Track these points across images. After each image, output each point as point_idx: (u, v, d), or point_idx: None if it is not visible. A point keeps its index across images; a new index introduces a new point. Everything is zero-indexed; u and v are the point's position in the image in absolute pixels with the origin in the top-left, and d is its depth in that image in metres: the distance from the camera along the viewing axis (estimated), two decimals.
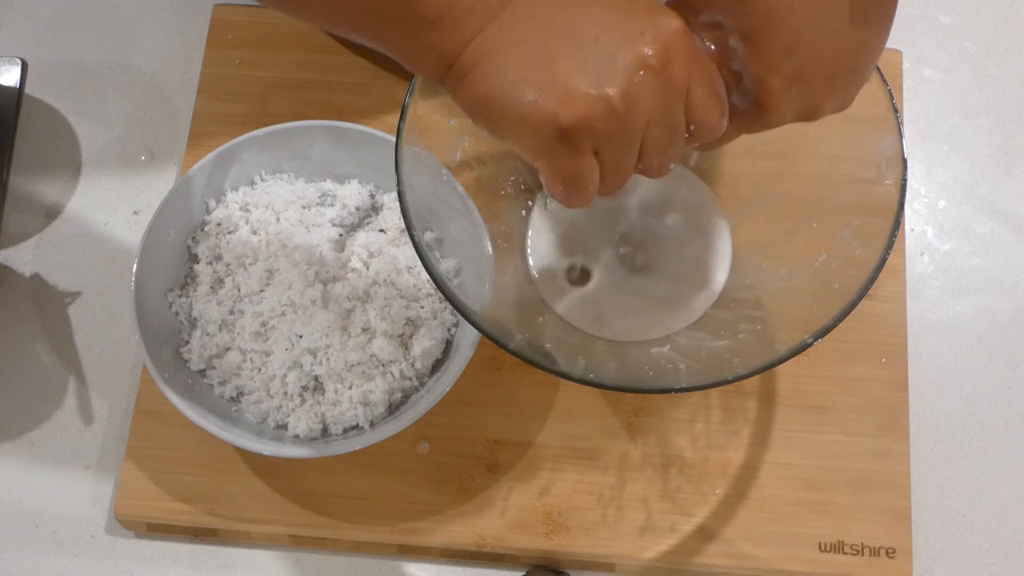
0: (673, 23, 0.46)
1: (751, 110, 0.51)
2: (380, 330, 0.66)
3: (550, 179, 0.48)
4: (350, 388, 0.65)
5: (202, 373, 0.68)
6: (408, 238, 0.59)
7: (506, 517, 0.67)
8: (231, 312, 0.68)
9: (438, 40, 0.45)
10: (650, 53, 0.45)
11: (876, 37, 0.51)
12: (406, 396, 0.67)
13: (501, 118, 0.46)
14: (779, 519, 0.67)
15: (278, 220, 0.70)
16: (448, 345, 0.68)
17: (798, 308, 0.61)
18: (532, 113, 0.45)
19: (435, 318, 0.67)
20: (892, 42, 0.79)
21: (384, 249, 0.68)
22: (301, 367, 0.66)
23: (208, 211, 0.70)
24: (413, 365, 0.66)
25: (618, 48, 0.45)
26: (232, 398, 0.67)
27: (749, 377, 0.56)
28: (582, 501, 0.67)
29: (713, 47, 0.50)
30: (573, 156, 0.46)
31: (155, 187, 0.77)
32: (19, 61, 0.80)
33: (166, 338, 0.67)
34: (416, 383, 0.67)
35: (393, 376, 0.66)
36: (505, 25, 0.45)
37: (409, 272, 0.68)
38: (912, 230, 0.76)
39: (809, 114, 0.52)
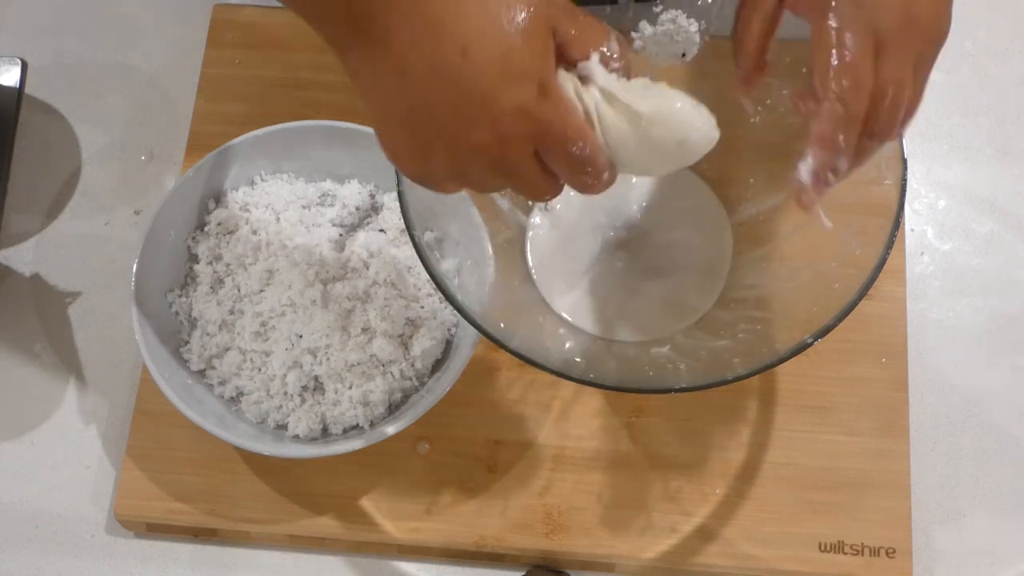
0: (516, 97, 0.45)
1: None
2: (380, 330, 0.66)
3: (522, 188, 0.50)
4: (350, 388, 0.65)
5: (202, 373, 0.67)
6: (408, 238, 0.59)
7: (506, 517, 0.67)
8: (231, 312, 0.68)
9: (337, 37, 0.47)
10: (479, 139, 0.45)
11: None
12: (406, 396, 0.67)
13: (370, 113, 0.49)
14: (779, 519, 0.67)
15: (278, 220, 0.70)
16: (448, 345, 0.68)
17: (798, 308, 0.61)
18: (383, 149, 0.49)
19: (435, 318, 0.67)
20: None
21: (384, 249, 0.68)
22: (301, 367, 0.66)
23: (208, 211, 0.70)
24: (413, 365, 0.66)
25: (451, 128, 0.46)
26: (232, 398, 0.67)
27: (749, 377, 0.56)
28: (582, 501, 0.67)
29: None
30: (424, 185, 0.50)
31: (155, 187, 0.77)
32: (19, 61, 0.80)
33: (166, 338, 0.67)
34: (416, 383, 0.67)
35: (393, 376, 0.66)
36: (372, 56, 0.46)
37: (409, 272, 0.68)
38: (912, 230, 0.76)
39: (880, 44, 0.49)
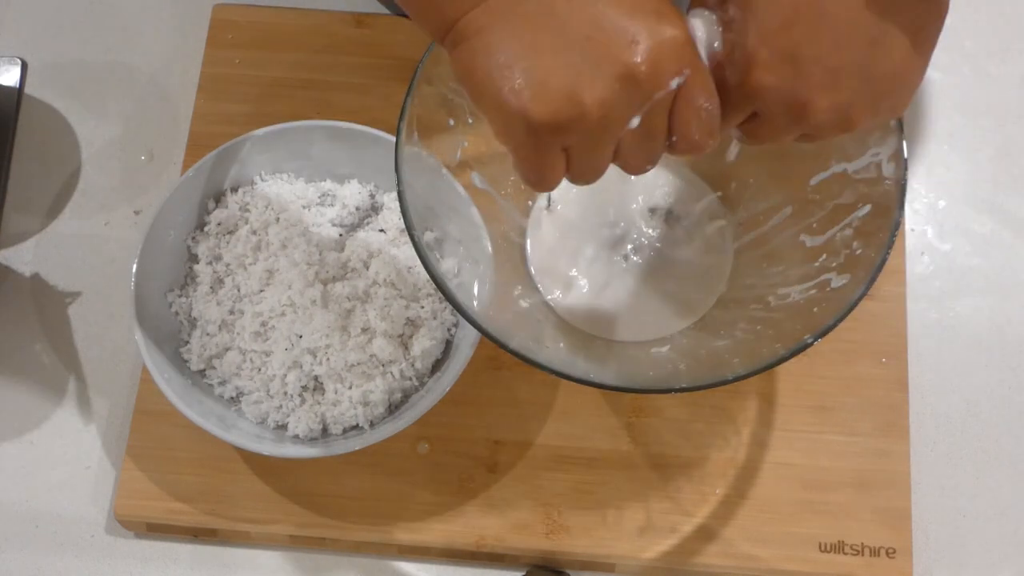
0: (671, 32, 0.44)
1: (738, 100, 0.49)
2: (380, 330, 0.66)
3: (516, 163, 0.48)
4: (350, 388, 0.65)
5: (202, 373, 0.68)
6: (408, 238, 0.59)
7: (506, 517, 0.67)
8: (231, 312, 0.68)
9: (443, 3, 0.46)
10: (635, 65, 0.44)
11: (899, 39, 0.47)
12: (406, 396, 0.67)
13: (480, 96, 0.46)
14: (779, 519, 0.67)
15: (278, 220, 0.70)
16: (448, 345, 0.68)
17: (798, 308, 0.61)
18: (506, 102, 0.45)
19: (435, 318, 0.67)
20: None
21: (384, 249, 0.68)
22: (301, 367, 0.66)
23: (208, 211, 0.70)
24: (413, 365, 0.66)
25: (605, 53, 0.44)
26: (232, 398, 0.67)
27: (749, 377, 0.56)
28: (582, 501, 0.67)
29: (719, 45, 0.48)
30: (539, 150, 0.46)
31: (155, 187, 0.77)
32: (19, 61, 0.80)
33: (166, 338, 0.67)
34: (416, 383, 0.67)
35: (393, 376, 0.66)
36: (505, 3, 0.45)
37: (409, 272, 0.68)
38: (912, 230, 0.76)
39: (800, 109, 0.47)
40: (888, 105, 0.49)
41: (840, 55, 0.46)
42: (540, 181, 0.48)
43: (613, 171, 0.73)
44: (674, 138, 0.47)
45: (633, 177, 0.71)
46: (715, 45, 0.48)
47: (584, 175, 0.48)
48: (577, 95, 0.44)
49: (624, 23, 0.44)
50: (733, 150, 0.68)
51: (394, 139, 0.59)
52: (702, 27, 0.48)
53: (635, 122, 0.46)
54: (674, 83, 0.45)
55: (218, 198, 0.71)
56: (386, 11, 0.80)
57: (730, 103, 0.48)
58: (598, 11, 0.44)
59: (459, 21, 0.46)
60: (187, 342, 0.68)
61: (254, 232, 0.69)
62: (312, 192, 0.71)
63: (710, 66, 0.48)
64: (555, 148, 0.46)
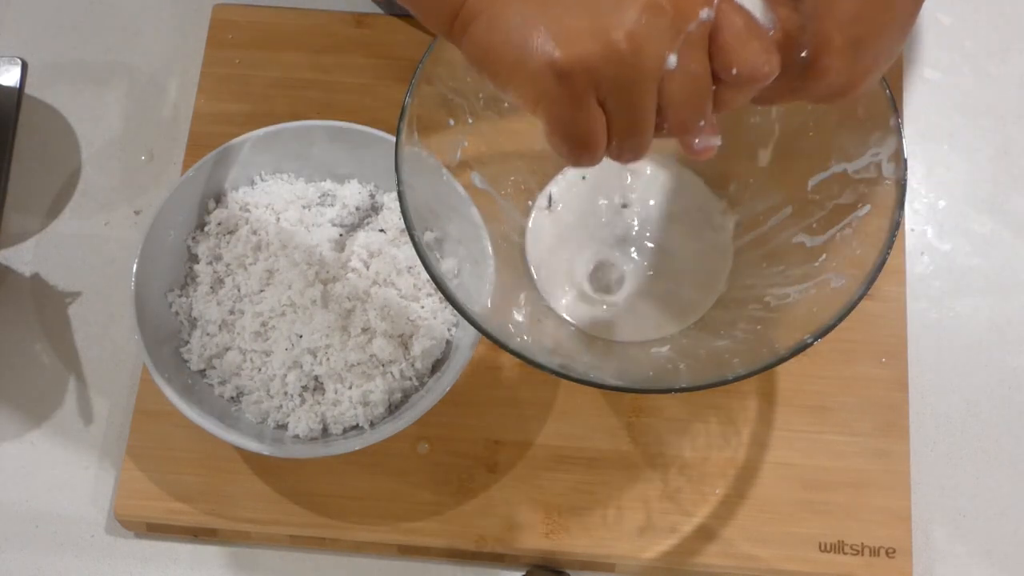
0: None
1: (796, 71, 0.48)
2: (380, 330, 0.66)
3: (552, 131, 0.44)
4: (350, 388, 0.65)
5: (202, 373, 0.68)
6: (408, 238, 0.59)
7: (506, 517, 0.67)
8: (231, 312, 0.68)
9: None
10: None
11: (908, 27, 0.50)
12: (406, 396, 0.67)
13: (499, 66, 0.44)
14: (779, 519, 0.67)
15: (278, 220, 0.70)
16: (448, 345, 0.68)
17: (798, 308, 0.61)
18: (528, 56, 0.42)
19: (435, 318, 0.67)
20: None
21: (384, 249, 0.68)
22: (301, 367, 0.66)
23: (208, 211, 0.70)
24: (413, 365, 0.66)
25: None
26: (232, 398, 0.67)
27: (749, 377, 0.56)
28: (582, 501, 0.67)
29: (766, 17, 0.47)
30: (574, 104, 0.43)
31: (155, 187, 0.77)
32: (19, 61, 0.80)
33: (166, 338, 0.67)
34: (416, 383, 0.67)
35: (393, 376, 0.66)
36: None
37: (409, 272, 0.68)
38: (912, 230, 0.76)
39: (849, 87, 0.49)
40: (884, 67, 0.51)
41: (886, 39, 0.49)
42: (580, 147, 0.44)
43: (613, 169, 0.73)
44: (735, 71, 0.44)
45: (628, 178, 0.71)
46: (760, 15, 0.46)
47: (627, 132, 0.45)
48: (604, 32, 0.42)
49: None
50: (764, 156, 0.67)
51: (394, 139, 0.59)
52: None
53: (672, 61, 0.43)
54: (704, 13, 0.43)
55: (218, 198, 0.71)
56: (396, 11, 0.80)
57: (783, 76, 0.46)
58: None
59: (464, 4, 0.45)
60: (187, 342, 0.68)
61: (254, 232, 0.69)
62: (312, 192, 0.71)
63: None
64: (591, 101, 0.43)
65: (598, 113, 0.44)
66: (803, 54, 0.48)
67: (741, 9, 0.44)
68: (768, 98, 0.49)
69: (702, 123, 0.46)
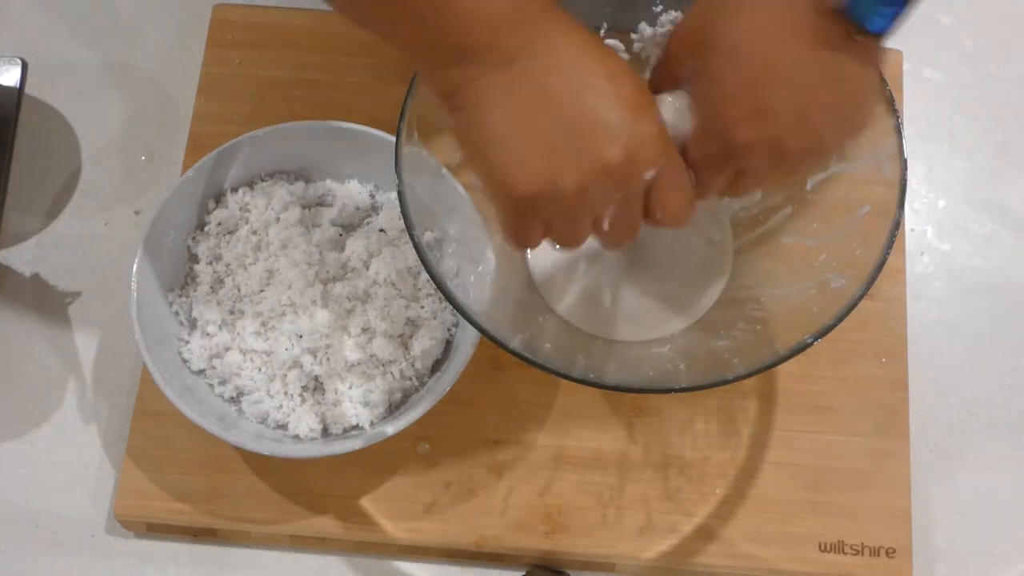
0: (648, 129, 0.49)
1: (722, 161, 0.53)
2: (380, 330, 0.66)
3: (500, 223, 0.52)
4: (350, 388, 0.65)
5: (202, 373, 0.67)
6: (408, 238, 0.59)
7: (506, 517, 0.67)
8: (231, 312, 0.68)
9: (447, 70, 0.49)
10: (613, 160, 0.48)
11: (850, 67, 0.51)
12: (406, 396, 0.67)
13: (472, 162, 0.51)
14: (779, 519, 0.67)
15: (278, 220, 0.70)
16: (448, 345, 0.68)
17: (798, 308, 0.61)
18: (493, 174, 0.49)
19: (435, 318, 0.67)
20: (892, 42, 0.79)
21: (384, 249, 0.68)
22: (301, 367, 0.66)
23: (208, 211, 0.70)
24: (413, 365, 0.66)
25: (587, 146, 0.48)
26: (232, 398, 0.67)
27: (749, 377, 0.56)
28: (582, 501, 0.67)
29: (688, 123, 0.53)
30: (520, 218, 0.51)
31: (155, 187, 0.77)
32: (19, 61, 0.80)
33: (166, 338, 0.67)
34: (416, 383, 0.67)
35: (393, 376, 0.66)
36: (506, 81, 0.48)
37: (409, 272, 0.68)
38: (912, 230, 0.76)
39: (779, 153, 0.51)
40: (854, 122, 0.53)
41: (802, 96, 0.50)
42: (519, 243, 0.53)
43: None
44: (658, 215, 0.52)
45: None
46: (685, 125, 0.53)
47: (562, 243, 0.53)
48: (556, 178, 0.48)
49: (607, 118, 0.48)
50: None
51: (394, 139, 0.59)
52: (671, 111, 0.52)
53: (611, 208, 0.51)
54: (648, 175, 0.50)
55: (218, 198, 0.71)
56: None
57: (715, 166, 0.53)
58: (586, 103, 0.48)
59: (461, 89, 0.49)
60: (187, 342, 0.68)
61: (254, 232, 0.69)
62: (312, 192, 0.71)
63: (689, 140, 0.53)
64: (535, 219, 0.51)
65: (539, 227, 0.51)
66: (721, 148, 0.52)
67: (677, 168, 0.52)
68: (740, 190, 0.55)
69: (628, 242, 0.54)
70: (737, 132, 0.51)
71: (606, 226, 0.52)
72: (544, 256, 0.70)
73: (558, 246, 0.54)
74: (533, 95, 0.48)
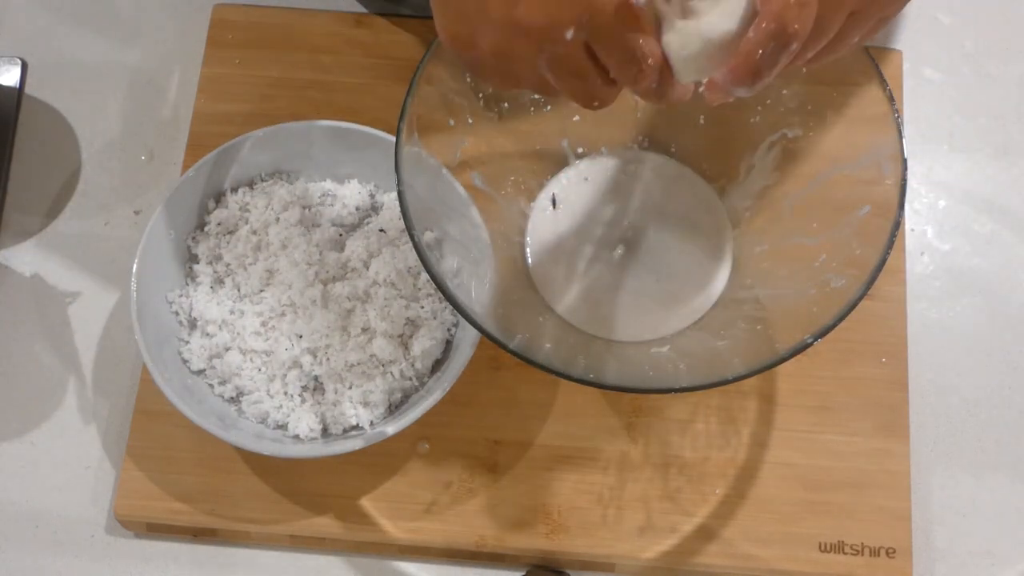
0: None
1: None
2: (380, 330, 0.66)
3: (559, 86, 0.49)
4: (350, 388, 0.65)
5: (202, 373, 0.68)
6: (408, 238, 0.59)
7: (506, 517, 0.67)
8: (231, 312, 0.68)
9: None
10: (522, 16, 0.44)
11: None
12: (406, 396, 0.67)
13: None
14: (779, 519, 0.67)
15: (278, 220, 0.70)
16: (448, 345, 0.68)
17: (798, 308, 0.61)
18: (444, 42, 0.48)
19: (435, 318, 0.67)
20: (892, 42, 0.80)
21: (384, 249, 0.68)
22: (301, 367, 0.66)
23: (208, 211, 0.70)
24: (413, 365, 0.66)
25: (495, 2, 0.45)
26: (232, 398, 0.67)
27: (749, 377, 0.56)
28: (582, 501, 0.67)
29: None
30: (472, 72, 0.49)
31: (155, 187, 0.77)
32: (19, 61, 0.80)
33: (166, 338, 0.67)
34: (416, 383, 0.67)
35: (393, 376, 0.66)
36: None
37: (409, 272, 0.68)
38: (912, 230, 0.76)
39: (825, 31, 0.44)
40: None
41: None
42: (515, 85, 0.49)
43: (613, 173, 0.73)
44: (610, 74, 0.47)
45: (628, 172, 0.71)
46: None
47: (534, 91, 0.49)
48: (474, 44, 0.46)
49: None
50: (764, 156, 0.66)
51: (394, 139, 0.59)
52: None
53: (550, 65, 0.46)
54: (568, 34, 0.44)
55: (218, 198, 0.71)
56: (388, 11, 0.80)
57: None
58: None
59: None
60: (187, 342, 0.68)
61: (254, 232, 0.69)
62: (312, 192, 0.71)
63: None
64: (482, 71, 0.48)
65: (493, 75, 0.49)
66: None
67: (621, 19, 0.45)
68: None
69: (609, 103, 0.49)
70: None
71: (555, 83, 0.47)
72: (544, 256, 0.70)
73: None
74: None
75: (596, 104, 0.48)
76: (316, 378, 0.66)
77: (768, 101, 0.66)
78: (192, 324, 0.68)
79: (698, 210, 0.71)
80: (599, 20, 0.44)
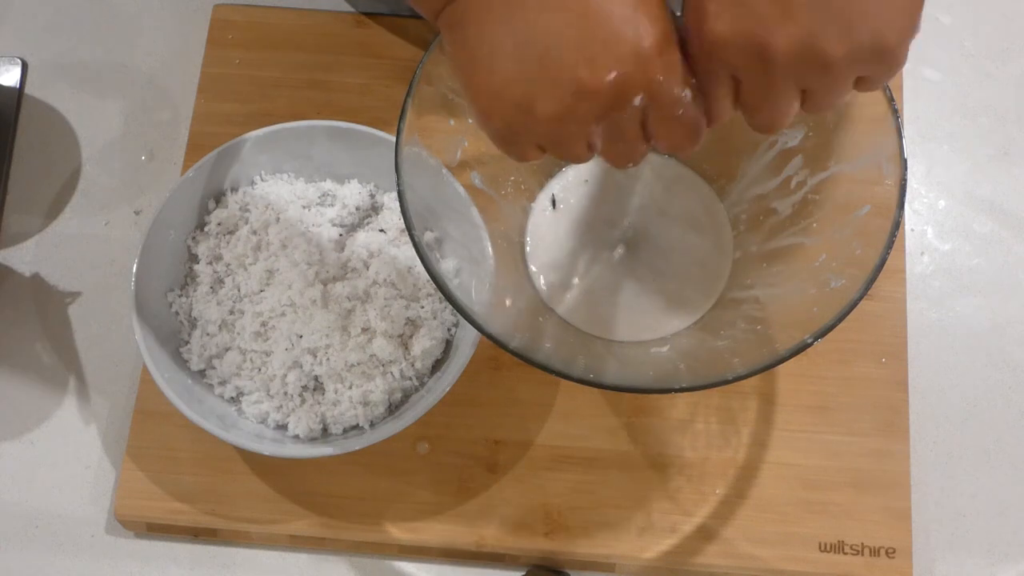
0: (631, 46, 0.44)
1: (706, 67, 0.46)
2: (380, 330, 0.66)
3: (494, 142, 0.49)
4: (350, 388, 0.65)
5: (202, 373, 0.68)
6: (408, 238, 0.59)
7: (506, 517, 0.67)
8: (231, 312, 0.68)
9: None
10: (590, 82, 0.44)
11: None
12: (406, 396, 0.67)
13: (462, 86, 0.48)
14: (779, 519, 0.67)
15: (278, 220, 0.70)
16: (448, 345, 0.68)
17: (798, 308, 0.61)
18: (472, 104, 0.47)
19: (435, 318, 0.67)
20: None
21: (384, 249, 0.68)
22: (301, 367, 0.66)
23: (208, 211, 0.70)
24: (413, 365, 0.66)
25: (563, 67, 0.44)
26: (232, 398, 0.67)
27: (749, 377, 0.56)
28: (582, 501, 0.67)
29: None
30: (504, 146, 0.48)
31: (155, 187, 0.77)
32: (19, 61, 0.80)
33: (166, 338, 0.67)
34: (416, 383, 0.67)
35: (393, 376, 0.66)
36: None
37: (409, 272, 0.68)
38: (912, 230, 0.76)
39: (760, 50, 0.44)
40: (867, 29, 0.44)
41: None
42: (519, 161, 0.50)
43: (613, 173, 0.73)
44: (656, 142, 0.48)
45: (628, 173, 0.71)
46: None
47: (568, 160, 0.49)
48: (531, 106, 0.45)
49: (585, 34, 0.43)
50: (765, 156, 0.67)
51: (394, 139, 0.59)
52: None
53: (600, 131, 0.47)
54: (637, 101, 0.45)
55: (218, 198, 0.71)
56: (385, 11, 0.80)
57: (702, 75, 0.47)
58: (562, 18, 0.44)
59: (443, 10, 0.48)
60: (187, 342, 0.68)
61: (254, 232, 0.69)
62: (312, 192, 0.71)
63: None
64: (518, 143, 0.48)
65: (533, 149, 0.48)
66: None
67: (675, 89, 0.46)
68: (752, 109, 0.49)
69: (632, 166, 0.50)
70: (710, 25, 0.44)
71: (599, 149, 0.48)
72: (544, 256, 0.70)
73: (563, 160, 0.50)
74: (506, 10, 0.44)
75: (631, 165, 0.50)
76: (316, 378, 0.66)
77: None
78: (192, 324, 0.68)
79: (698, 210, 0.71)
80: (663, 91, 0.45)
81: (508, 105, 0.45)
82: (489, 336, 0.56)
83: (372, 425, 0.65)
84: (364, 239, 0.69)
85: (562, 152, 0.48)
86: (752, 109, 0.48)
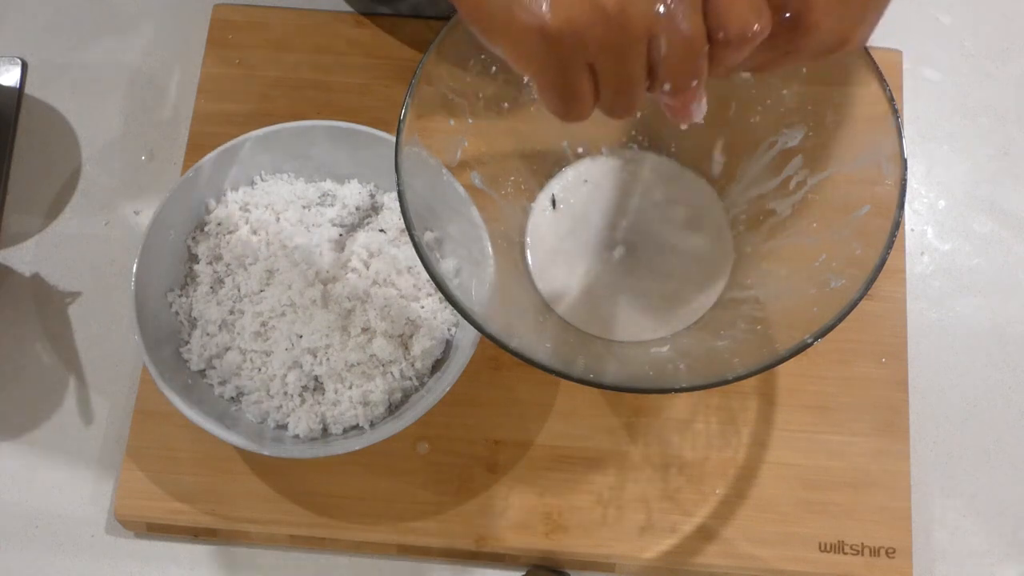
0: None
1: (785, 31, 0.46)
2: (380, 330, 0.66)
3: (541, 90, 0.45)
4: (350, 388, 0.65)
5: (202, 373, 0.68)
6: (408, 238, 0.59)
7: (506, 517, 0.67)
8: (231, 312, 0.68)
9: None
10: None
11: None
12: (406, 396, 0.67)
13: (492, 26, 0.44)
14: (779, 519, 0.67)
15: (278, 220, 0.70)
16: (448, 345, 0.68)
17: (798, 308, 0.61)
18: (520, 19, 0.42)
19: (435, 318, 0.67)
20: (892, 42, 0.80)
21: (384, 249, 0.68)
22: (301, 367, 0.66)
23: (208, 211, 0.70)
24: (413, 365, 0.66)
25: None
26: (232, 398, 0.67)
27: (749, 377, 0.56)
28: (582, 501, 0.67)
29: None
30: (562, 66, 0.43)
31: (155, 187, 0.77)
32: (19, 61, 0.80)
33: (166, 338, 0.67)
34: (416, 383, 0.67)
35: (393, 376, 0.66)
36: None
37: (409, 272, 0.68)
38: (912, 230, 0.76)
39: (839, 43, 0.47)
40: (875, 18, 0.48)
41: None
42: (568, 105, 0.45)
43: (613, 173, 0.73)
44: (721, 35, 0.43)
45: (629, 173, 0.71)
46: None
47: (617, 94, 0.45)
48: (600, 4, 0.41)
49: None
50: (765, 156, 0.66)
51: (394, 139, 0.59)
52: None
53: (662, 21, 0.42)
54: (663, 43, 0.42)
55: (218, 198, 0.71)
56: (385, 11, 0.80)
57: (773, 39, 0.45)
58: None
59: None
60: (187, 342, 0.68)
61: (254, 232, 0.69)
62: (312, 192, 0.71)
63: None
64: (579, 64, 0.43)
65: (586, 75, 0.44)
66: (787, 15, 0.46)
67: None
68: (763, 63, 0.48)
69: (694, 83, 0.45)
70: (817, 15, 0.45)
71: (664, 59, 0.44)
72: (544, 256, 0.70)
73: (612, 108, 0.46)
74: None
75: (619, 114, 0.47)
76: (316, 378, 0.66)
77: (768, 101, 0.66)
78: (192, 324, 0.68)
79: (698, 210, 0.71)
80: (678, 37, 0.43)
81: (572, 2, 0.42)
82: (489, 336, 0.56)
83: (372, 425, 0.65)
84: (364, 239, 0.69)
85: (620, 63, 0.44)
86: (764, 67, 0.48)
